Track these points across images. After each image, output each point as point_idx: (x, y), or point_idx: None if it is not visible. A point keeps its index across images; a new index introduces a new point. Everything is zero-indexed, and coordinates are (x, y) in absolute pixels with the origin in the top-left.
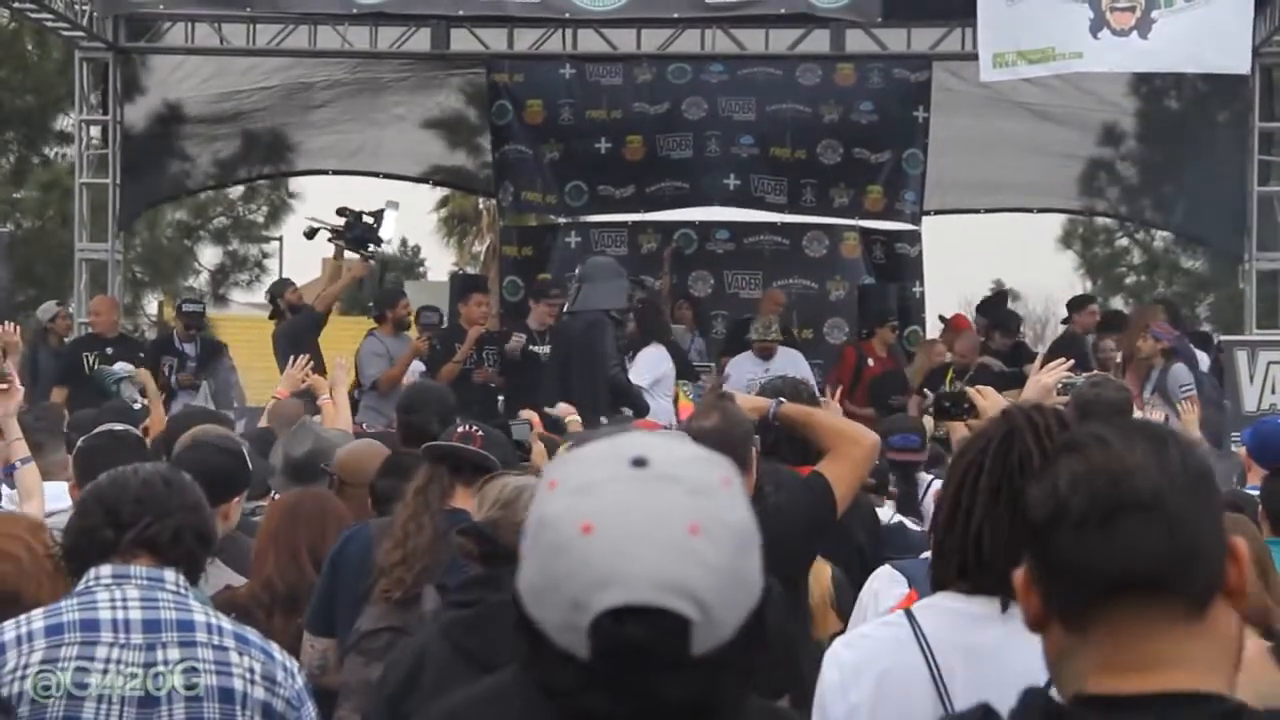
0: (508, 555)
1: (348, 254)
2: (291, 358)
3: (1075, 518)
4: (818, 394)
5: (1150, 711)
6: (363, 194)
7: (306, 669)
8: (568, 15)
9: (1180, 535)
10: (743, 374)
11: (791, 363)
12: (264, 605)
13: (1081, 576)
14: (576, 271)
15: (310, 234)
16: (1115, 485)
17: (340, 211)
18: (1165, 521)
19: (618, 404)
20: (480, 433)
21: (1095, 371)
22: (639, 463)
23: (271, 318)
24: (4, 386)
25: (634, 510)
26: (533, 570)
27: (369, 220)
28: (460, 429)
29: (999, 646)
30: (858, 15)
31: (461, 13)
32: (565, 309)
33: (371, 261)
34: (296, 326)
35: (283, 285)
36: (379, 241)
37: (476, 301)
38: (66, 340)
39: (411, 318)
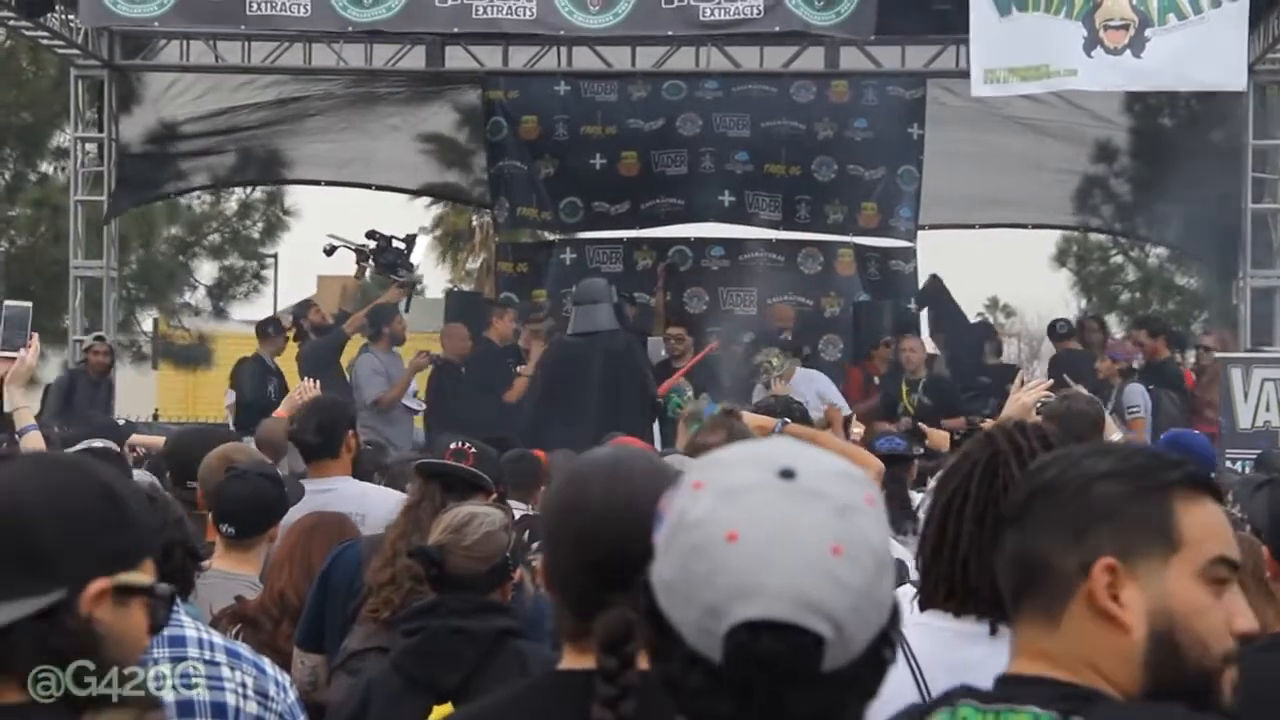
0: (455, 580)
1: (357, 265)
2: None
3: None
4: (811, 412)
5: (1010, 685)
6: (356, 212)
7: (297, 684)
8: (562, 33)
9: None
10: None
11: (810, 386)
12: (272, 617)
13: (1006, 566)
14: (573, 293)
15: (330, 251)
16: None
17: (370, 235)
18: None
19: (653, 422)
20: (473, 450)
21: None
22: (787, 474)
23: (295, 339)
24: (9, 354)
25: (779, 523)
26: (669, 568)
27: (400, 246)
28: (453, 446)
29: (984, 663)
30: (851, 33)
31: (456, 29)
32: (570, 331)
33: (403, 287)
34: (321, 348)
35: (305, 306)
36: (410, 267)
37: (511, 318)
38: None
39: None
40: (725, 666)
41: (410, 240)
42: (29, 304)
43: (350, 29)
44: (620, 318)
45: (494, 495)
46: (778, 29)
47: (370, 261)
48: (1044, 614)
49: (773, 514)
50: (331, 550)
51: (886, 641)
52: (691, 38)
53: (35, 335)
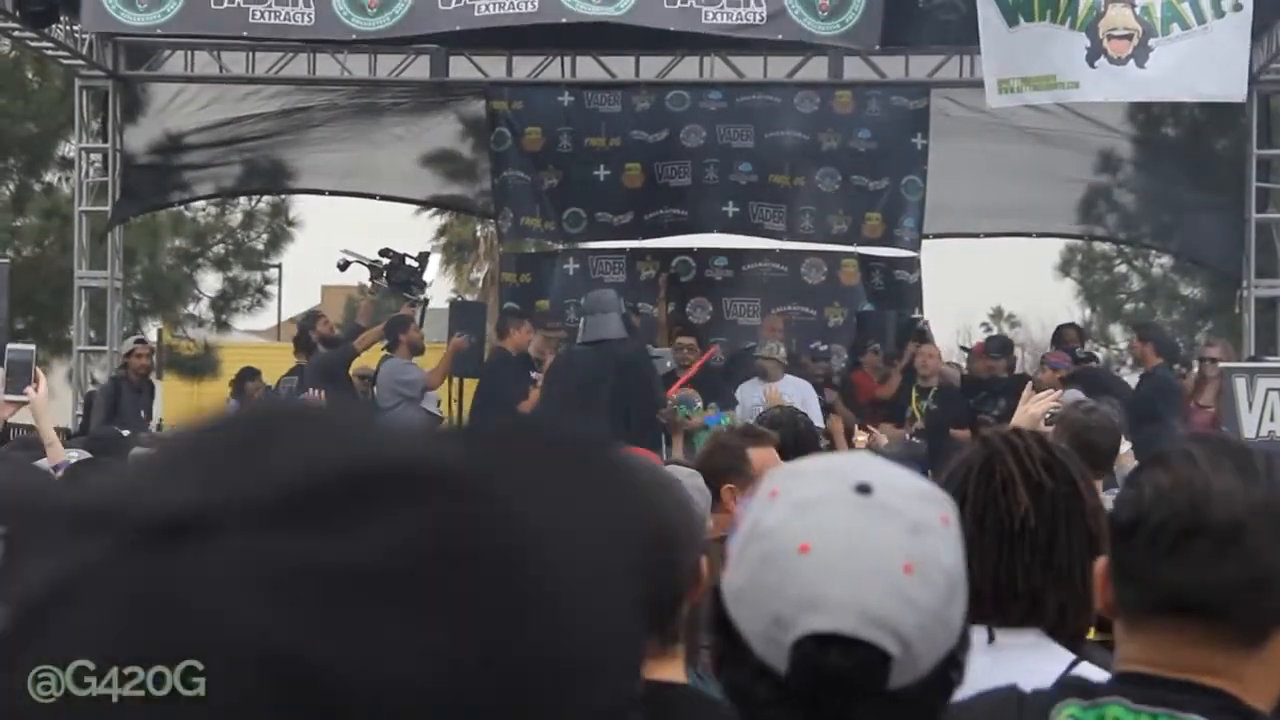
0: None
1: (370, 282)
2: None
3: (1149, 532)
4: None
5: (1166, 689)
6: (360, 222)
7: None
8: (564, 20)
9: (1252, 567)
10: (749, 400)
11: (798, 390)
12: None
13: (1144, 589)
14: (581, 303)
15: (343, 266)
16: (1193, 508)
17: (384, 252)
18: (1238, 552)
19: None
20: None
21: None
22: (863, 489)
23: (302, 350)
24: (15, 399)
25: (851, 537)
26: (740, 576)
27: (413, 264)
28: None
29: (983, 677)
30: (855, 43)
31: (459, 27)
32: (579, 340)
33: (414, 305)
34: (330, 360)
35: (313, 318)
36: (423, 285)
37: (528, 329)
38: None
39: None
40: (791, 678)
41: (423, 258)
42: (32, 346)
43: (354, 37)
44: (628, 328)
45: None
46: (780, 37)
47: (384, 278)
48: (1244, 629)
49: (846, 528)
50: None
51: (954, 664)
52: (695, 44)
53: (41, 375)
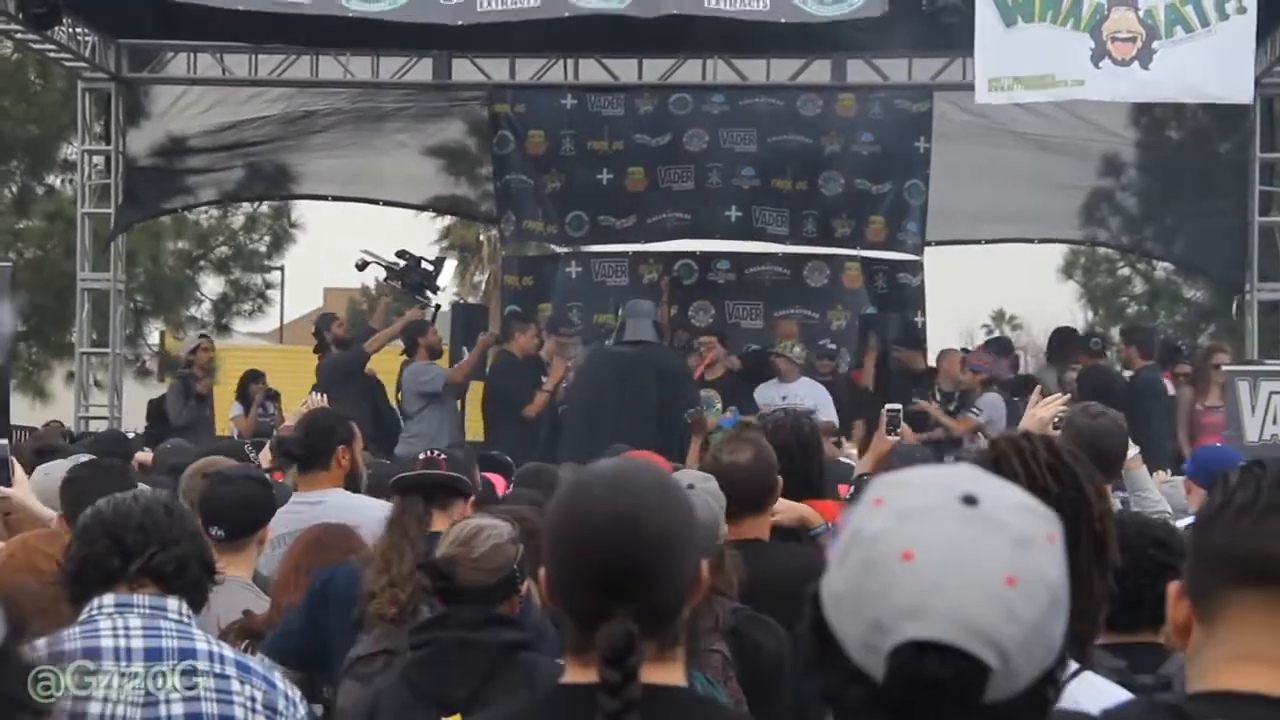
0: (463, 592)
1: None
2: (318, 394)
3: (1236, 507)
4: (824, 426)
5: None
6: (363, 225)
7: None
8: (566, 14)
9: None
10: (765, 401)
11: (812, 392)
12: None
13: (1225, 561)
14: (621, 310)
15: (362, 266)
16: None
17: (401, 254)
18: None
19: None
20: (444, 456)
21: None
22: (969, 500)
23: (316, 351)
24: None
25: (956, 548)
26: (841, 580)
27: (428, 267)
28: (423, 455)
29: None
30: (863, 12)
31: (460, 22)
32: (613, 340)
33: (424, 308)
34: (343, 361)
35: (328, 320)
36: (436, 289)
37: (534, 333)
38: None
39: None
40: (886, 685)
41: (439, 263)
42: (5, 442)
43: (351, 14)
44: (659, 336)
45: (472, 498)
46: (782, 20)
47: (398, 280)
48: None
49: (951, 537)
50: (324, 569)
51: (1051, 681)
52: (697, 44)
53: (16, 464)
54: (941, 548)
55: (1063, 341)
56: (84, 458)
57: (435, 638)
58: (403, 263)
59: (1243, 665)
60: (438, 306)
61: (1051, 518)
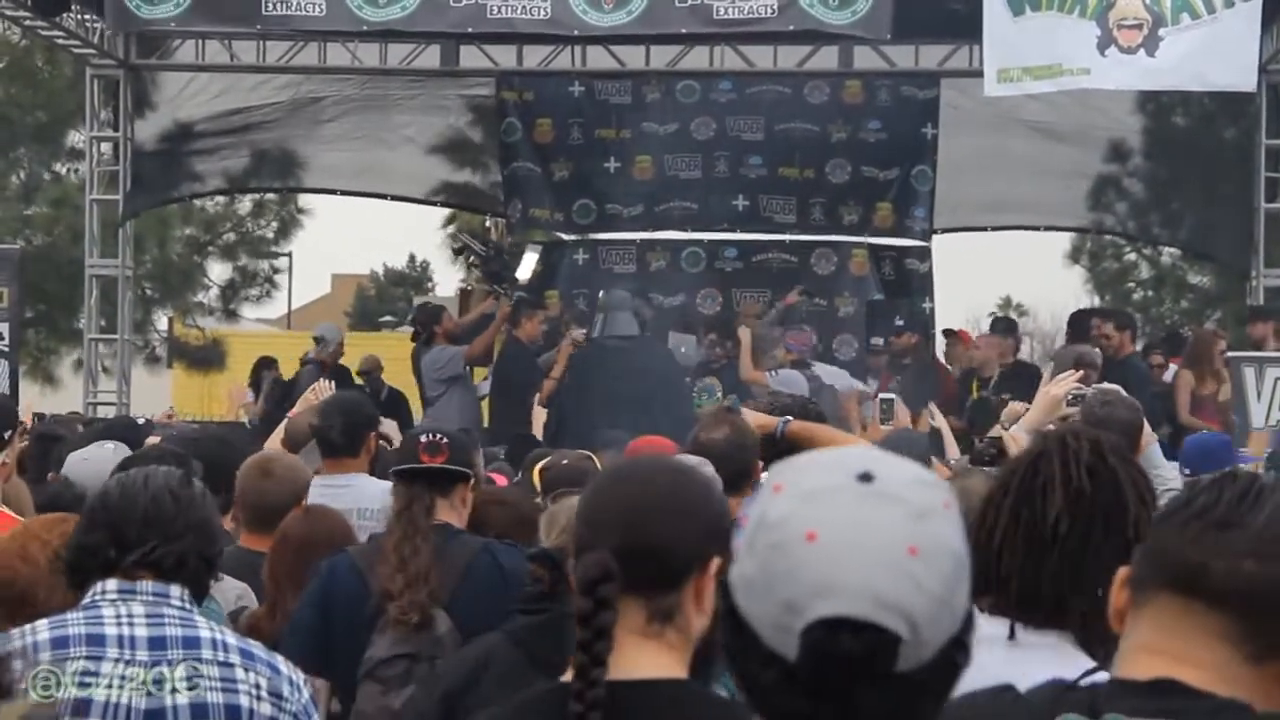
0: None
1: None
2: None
3: (1191, 513)
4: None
5: (1145, 694)
6: (372, 213)
7: None
8: (576, 32)
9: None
10: (790, 385)
11: (831, 376)
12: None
13: (1164, 562)
14: (598, 301)
15: (458, 251)
16: (1240, 502)
17: (484, 241)
18: (1269, 559)
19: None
20: (445, 440)
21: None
22: (865, 478)
23: (414, 339)
24: None
25: (858, 525)
26: (750, 566)
27: (508, 257)
28: (425, 438)
29: (994, 672)
30: (867, 33)
31: (470, 29)
32: (598, 333)
33: (499, 298)
34: (451, 363)
35: (438, 312)
36: (514, 280)
37: (539, 319)
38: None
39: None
40: (801, 663)
41: (514, 254)
42: None
43: (365, 29)
44: (641, 324)
45: (474, 481)
46: (792, 28)
47: (482, 268)
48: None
49: (851, 515)
50: (320, 565)
51: (960, 646)
52: (704, 36)
53: None
54: (843, 526)
55: (1080, 322)
56: (108, 444)
57: (550, 607)
58: (487, 250)
59: (1146, 657)
60: (503, 293)
61: (945, 486)
